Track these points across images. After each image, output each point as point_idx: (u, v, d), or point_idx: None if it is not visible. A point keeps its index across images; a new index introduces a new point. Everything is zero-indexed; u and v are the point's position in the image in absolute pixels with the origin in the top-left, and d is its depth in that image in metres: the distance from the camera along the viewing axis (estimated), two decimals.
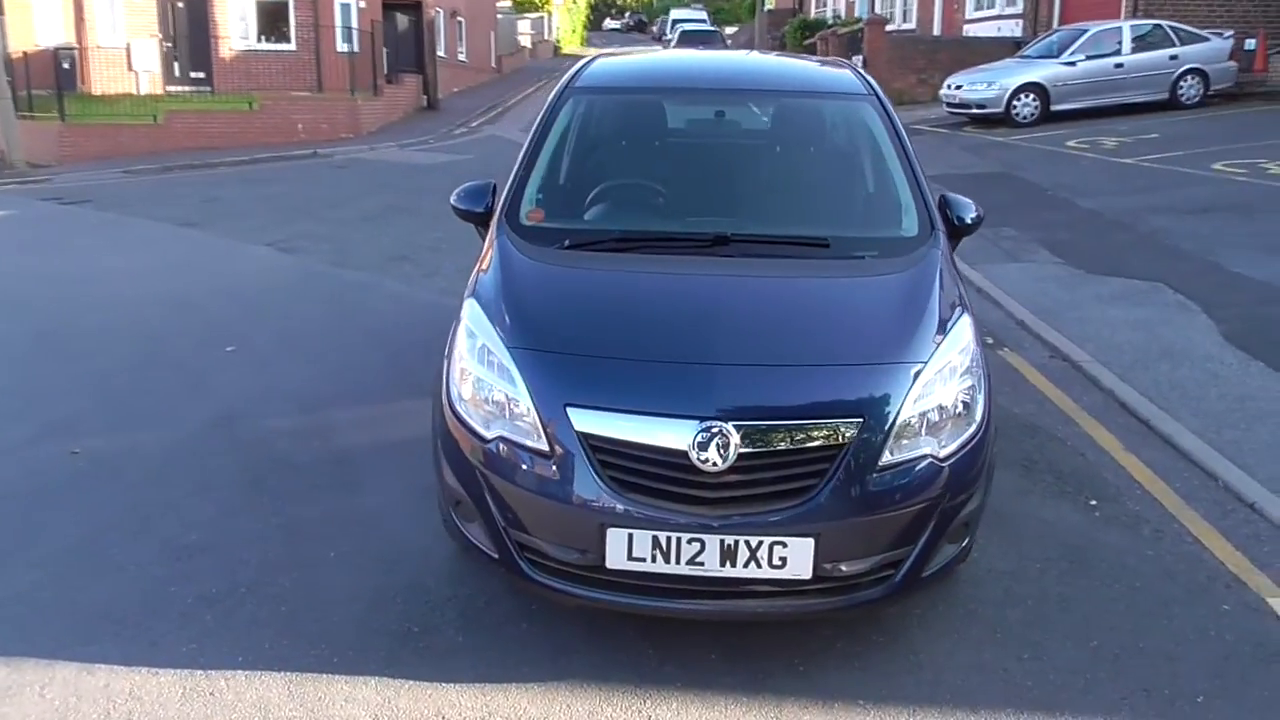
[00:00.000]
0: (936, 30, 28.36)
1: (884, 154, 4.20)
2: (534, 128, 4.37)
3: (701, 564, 2.99)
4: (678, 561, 3.00)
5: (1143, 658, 3.33)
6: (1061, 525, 4.21)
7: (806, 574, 3.01)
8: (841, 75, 4.71)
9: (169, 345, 6.58)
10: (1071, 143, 15.16)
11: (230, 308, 7.50)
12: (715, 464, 2.95)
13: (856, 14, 33.09)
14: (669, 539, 2.98)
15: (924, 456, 3.09)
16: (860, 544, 3.06)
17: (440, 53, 27.21)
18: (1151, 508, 4.40)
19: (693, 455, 2.95)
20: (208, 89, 22.36)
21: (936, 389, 3.17)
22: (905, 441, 3.08)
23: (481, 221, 4.38)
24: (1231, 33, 17.80)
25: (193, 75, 22.87)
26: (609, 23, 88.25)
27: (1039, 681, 3.21)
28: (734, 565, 2.99)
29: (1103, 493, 4.52)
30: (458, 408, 3.32)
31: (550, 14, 51.81)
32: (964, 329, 3.39)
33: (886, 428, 3.05)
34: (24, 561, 3.87)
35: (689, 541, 2.97)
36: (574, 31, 58.27)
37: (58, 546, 3.98)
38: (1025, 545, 4.02)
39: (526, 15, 48.31)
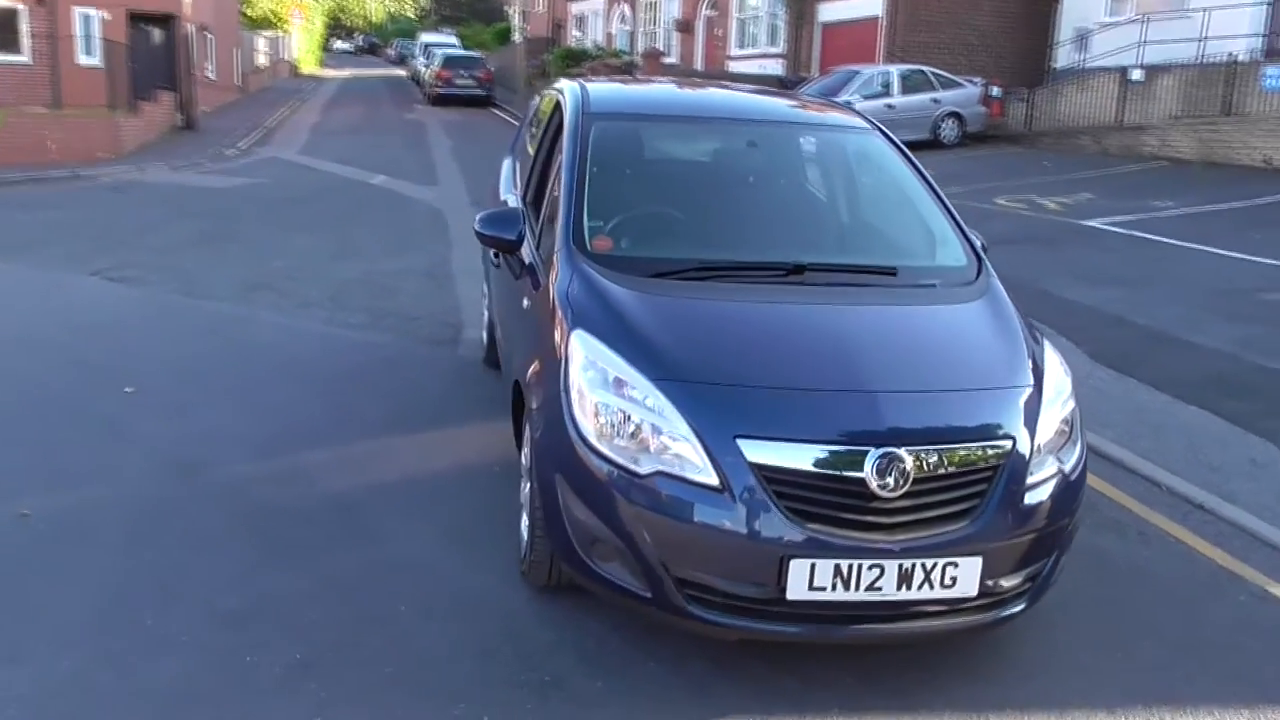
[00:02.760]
0: (698, 65, 29.64)
1: (909, 184, 4.41)
2: (566, 154, 4.24)
3: (880, 589, 3.04)
4: (857, 588, 3.03)
5: (1213, 649, 3.67)
6: None
7: (973, 591, 3.12)
8: (839, 111, 4.90)
9: (49, 388, 5.84)
10: None
11: (94, 344, 6.74)
12: (892, 490, 3.01)
13: (617, 46, 34.00)
14: (850, 566, 3.01)
15: (1056, 473, 3.29)
16: (1016, 559, 3.21)
17: None
18: (1123, 513, 4.82)
19: (871, 482, 3.01)
20: None
21: (1055, 410, 3.38)
22: (1040, 460, 3.26)
23: (510, 249, 4.24)
24: (981, 80, 19.73)
25: None
26: (338, 44, 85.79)
27: (1144, 678, 3.46)
28: (909, 588, 3.05)
29: None
30: (595, 445, 3.20)
31: (289, 34, 49.71)
32: (1054, 354, 3.63)
33: (1030, 447, 3.23)
34: (45, 641, 3.35)
35: (870, 568, 3.01)
36: (310, 52, 56.17)
37: (77, 622, 3.48)
38: None
39: (263, 33, 46.11)
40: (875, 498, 3.02)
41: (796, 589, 3.01)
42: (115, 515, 4.27)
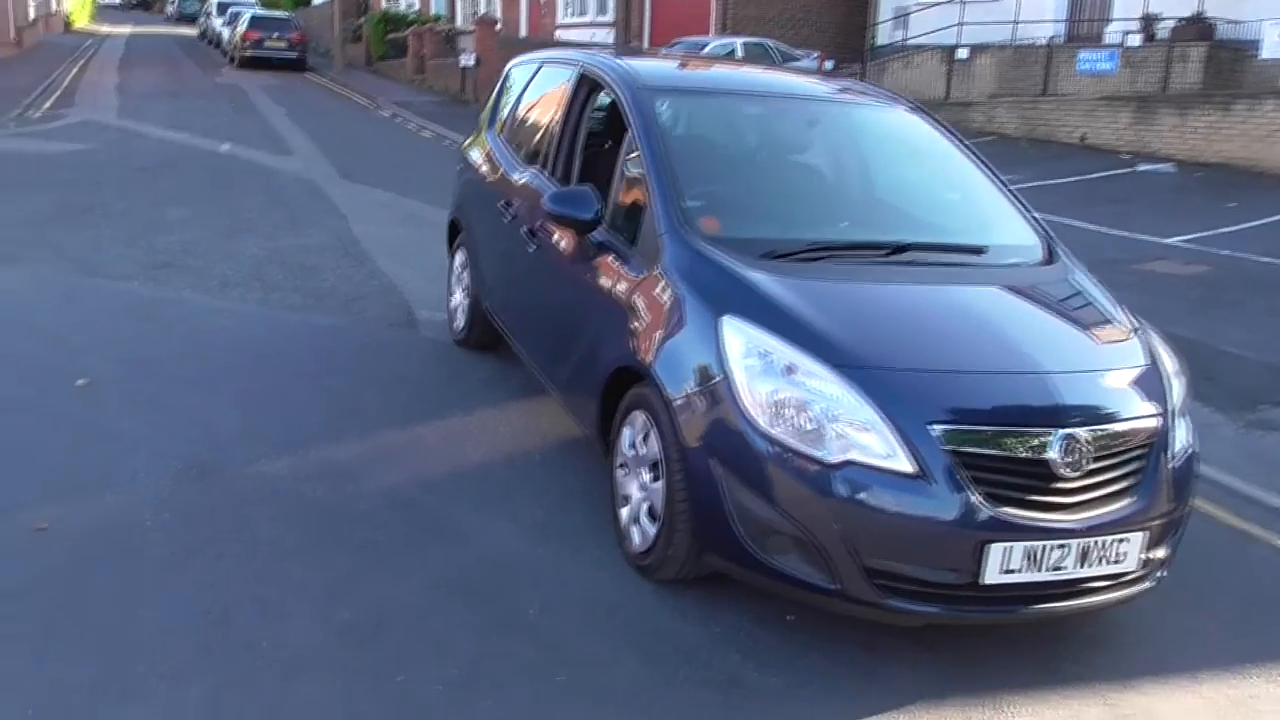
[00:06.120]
0: (523, 32, 29.16)
1: (964, 163, 4.48)
2: (640, 131, 4.08)
3: (1063, 568, 3.11)
4: (1043, 568, 3.09)
5: (1272, 602, 3.94)
6: None
7: (1135, 565, 3.24)
8: (873, 89, 4.96)
9: None
10: None
11: (6, 333, 6.03)
12: (1075, 470, 3.09)
13: (433, 11, 32.98)
14: (1040, 548, 3.06)
15: (1187, 447, 3.45)
16: (1166, 530, 3.34)
17: None
18: None
19: (1057, 463, 3.07)
20: None
21: (1177, 386, 3.54)
22: (1177, 434, 3.41)
23: (586, 228, 4.07)
24: (817, 54, 20.34)
25: None
26: None
27: (1235, 633, 3.68)
28: (1086, 565, 3.14)
29: None
30: (773, 434, 3.12)
31: None
32: (1154, 332, 3.79)
33: (1172, 422, 3.37)
34: (156, 672, 2.99)
35: (1057, 547, 3.08)
36: (83, 5, 51.73)
37: (182, 648, 3.12)
38: None
39: None
40: (1059, 478, 3.08)
41: (991, 573, 3.04)
42: (153, 526, 3.84)
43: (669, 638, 3.36)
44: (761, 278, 3.49)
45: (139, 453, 4.46)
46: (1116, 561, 3.19)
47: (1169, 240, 10.99)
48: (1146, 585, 3.37)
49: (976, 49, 20.15)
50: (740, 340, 3.27)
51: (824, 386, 3.12)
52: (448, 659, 3.16)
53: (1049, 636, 3.54)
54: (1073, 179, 14.66)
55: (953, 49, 20.18)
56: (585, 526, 4.03)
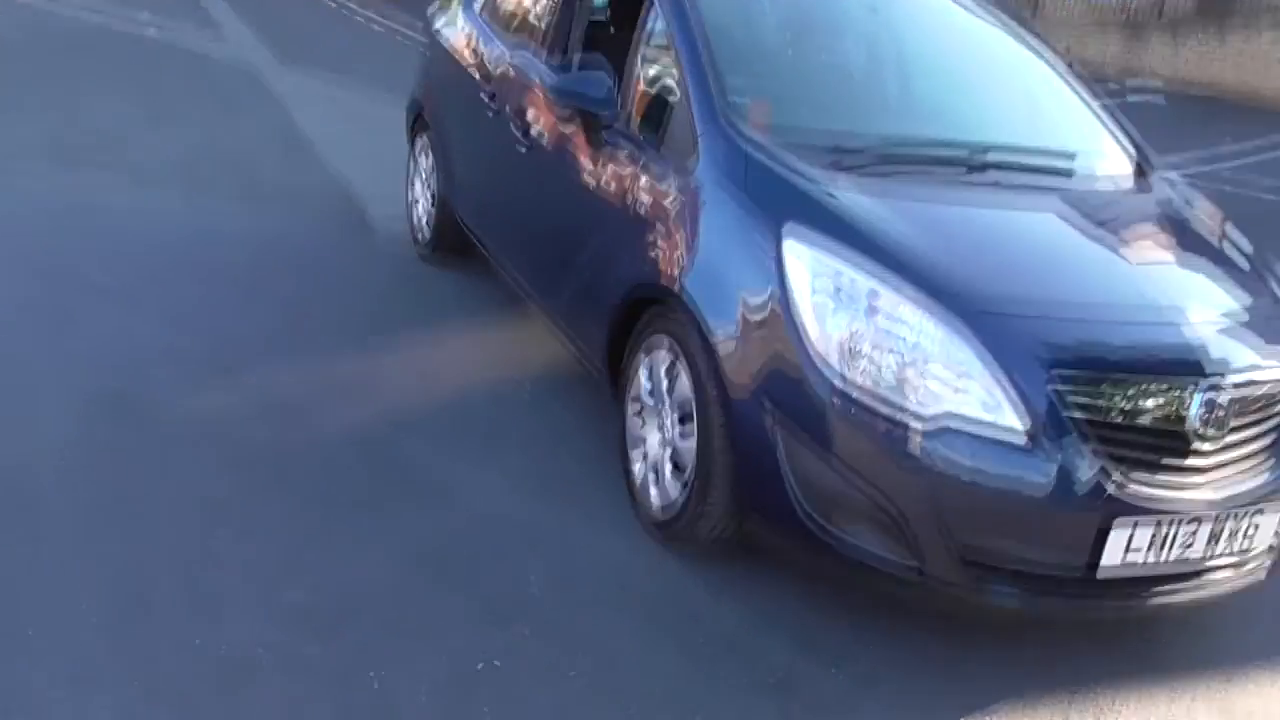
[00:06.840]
0: None
1: (1039, 58, 3.86)
2: (669, 1, 3.35)
3: (1189, 551, 2.55)
4: (1169, 551, 2.53)
5: None
6: None
7: (1265, 545, 2.71)
8: None
9: None
10: None
11: None
12: (1216, 433, 2.51)
13: None
14: (1169, 528, 2.50)
15: None
16: None
17: None
18: None
19: (1196, 426, 2.49)
20: None
21: None
22: None
23: (597, 113, 3.36)
24: None
25: None
26: None
27: None
28: (1216, 547, 2.59)
29: None
30: (847, 380, 2.49)
31: None
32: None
33: None
34: (54, 673, 2.31)
35: (1187, 527, 2.51)
36: None
37: (88, 644, 2.44)
38: None
39: None
40: (1196, 444, 2.50)
41: (1111, 557, 2.47)
42: (55, 480, 3.09)
43: (704, 622, 2.77)
44: (829, 186, 2.82)
45: (40, 382, 3.68)
46: (1248, 540, 2.63)
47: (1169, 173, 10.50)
48: (1269, 566, 2.82)
49: None
50: (806, 261, 2.62)
51: (914, 323, 2.49)
52: (433, 654, 2.52)
53: (1143, 622, 3.01)
54: None
55: None
56: (588, 478, 3.41)
